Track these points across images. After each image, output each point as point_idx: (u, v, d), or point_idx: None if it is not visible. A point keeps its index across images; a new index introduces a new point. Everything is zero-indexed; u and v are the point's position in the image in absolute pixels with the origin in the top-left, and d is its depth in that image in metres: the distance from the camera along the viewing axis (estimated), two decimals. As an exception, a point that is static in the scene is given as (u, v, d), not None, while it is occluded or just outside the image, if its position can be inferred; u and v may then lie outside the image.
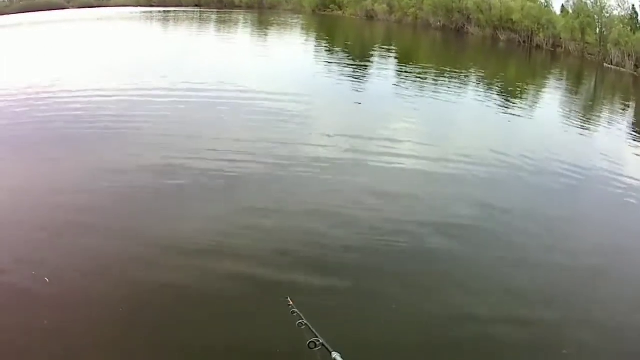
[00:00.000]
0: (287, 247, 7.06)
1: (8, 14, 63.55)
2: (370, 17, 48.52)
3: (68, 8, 73.76)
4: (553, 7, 35.36)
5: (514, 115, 15.61)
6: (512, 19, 35.76)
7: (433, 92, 18.05)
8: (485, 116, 15.45)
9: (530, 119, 15.78)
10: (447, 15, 41.35)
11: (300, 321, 3.69)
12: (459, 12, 40.53)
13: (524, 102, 17.97)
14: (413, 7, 44.50)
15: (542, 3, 36.31)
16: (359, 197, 8.67)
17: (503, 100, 17.69)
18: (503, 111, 15.98)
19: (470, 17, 39.64)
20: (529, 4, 35.72)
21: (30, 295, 5.91)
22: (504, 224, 8.17)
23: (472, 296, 6.24)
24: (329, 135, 12.27)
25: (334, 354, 3.18)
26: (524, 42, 34.70)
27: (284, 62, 24.69)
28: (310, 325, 3.58)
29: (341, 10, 53.32)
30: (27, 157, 10.78)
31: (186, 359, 5.11)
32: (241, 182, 9.26)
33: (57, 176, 9.75)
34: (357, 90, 17.83)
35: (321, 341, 3.35)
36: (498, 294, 6.29)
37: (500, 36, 36.74)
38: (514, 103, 17.62)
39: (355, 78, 20.25)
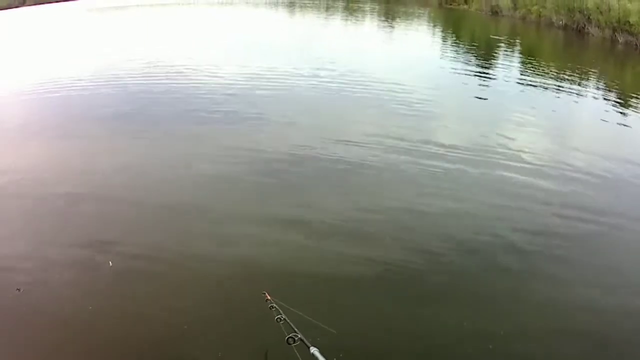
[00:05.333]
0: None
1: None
2: (495, 12, 49.16)
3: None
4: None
5: (633, 123, 15.05)
6: (629, 22, 35.45)
7: (554, 93, 18.07)
8: (606, 123, 14.89)
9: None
10: (569, 14, 41.30)
11: (278, 316, 3.82)
12: (579, 11, 40.37)
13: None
14: (536, 4, 44.64)
15: (656, 7, 34.26)
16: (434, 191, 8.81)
17: (620, 108, 17.07)
18: (621, 118, 15.46)
19: (590, 17, 39.38)
20: (645, 7, 33.66)
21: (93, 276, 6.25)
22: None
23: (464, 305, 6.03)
24: (446, 129, 12.57)
25: (312, 350, 3.23)
26: (640, 45, 32.86)
27: (409, 54, 25.89)
28: (288, 320, 3.73)
29: (467, 4, 54.26)
30: (135, 134, 11.56)
31: (161, 356, 5.07)
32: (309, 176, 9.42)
33: (160, 156, 10.30)
34: (480, 85, 18.47)
35: (299, 336, 3.46)
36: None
37: (618, 38, 36.38)
38: (631, 111, 16.74)
39: (479, 73, 20.86)
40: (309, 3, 57.85)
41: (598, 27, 39.80)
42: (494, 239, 7.21)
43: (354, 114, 13.28)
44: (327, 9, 52.07)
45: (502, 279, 6.37)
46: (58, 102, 14.51)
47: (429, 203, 8.27)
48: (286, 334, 3.54)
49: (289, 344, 3.44)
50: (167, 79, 16.84)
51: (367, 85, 16.17)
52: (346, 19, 45.34)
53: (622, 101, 18.40)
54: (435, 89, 17.52)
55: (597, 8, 39.41)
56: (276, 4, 56.13)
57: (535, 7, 44.73)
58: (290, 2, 57.82)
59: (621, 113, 16.47)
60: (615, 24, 37.98)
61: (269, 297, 4.27)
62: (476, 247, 7.02)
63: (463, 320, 5.63)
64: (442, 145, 10.89)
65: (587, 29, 40.88)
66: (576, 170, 10.14)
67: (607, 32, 38.53)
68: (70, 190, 8.61)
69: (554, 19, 43.47)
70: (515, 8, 47.39)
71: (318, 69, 18.43)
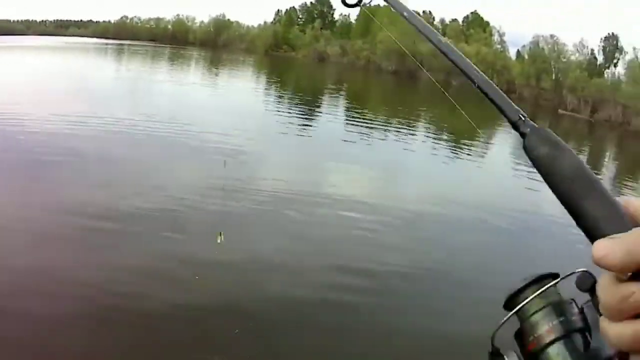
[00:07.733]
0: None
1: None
2: (322, 59, 48.67)
3: (28, 34, 77.87)
4: (509, 52, 34.75)
5: (462, 164, 15.05)
6: (464, 64, 35.22)
7: (381, 138, 17.84)
8: (432, 165, 14.97)
9: (479, 168, 15.09)
10: (400, 59, 40.46)
11: None
12: (413, 56, 40.01)
13: (473, 152, 17.04)
14: (366, 50, 44.52)
15: (497, 48, 35.87)
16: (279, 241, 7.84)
17: (451, 149, 17.27)
18: (451, 160, 15.53)
19: (423, 61, 37.61)
20: (484, 49, 35.23)
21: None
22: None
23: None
24: (267, 180, 11.36)
25: None
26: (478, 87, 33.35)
27: (231, 102, 24.96)
28: None
29: (294, 51, 53.78)
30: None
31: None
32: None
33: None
34: (303, 134, 17.67)
35: None
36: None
37: (452, 81, 34.18)
38: (462, 152, 16.77)
39: (303, 120, 20.18)
40: (140, 50, 57.25)
41: (431, 71, 35.83)
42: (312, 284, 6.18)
43: (171, 162, 12.01)
44: (155, 55, 51.48)
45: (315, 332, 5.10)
46: None
47: (239, 247, 6.91)
48: None
49: None
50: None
51: (186, 132, 14.85)
52: (173, 65, 43.45)
53: (450, 143, 19.07)
54: (257, 135, 16.28)
55: (432, 52, 35.58)
56: (106, 50, 54.79)
57: (365, 53, 44.61)
58: (119, 49, 56.74)
59: (449, 155, 16.84)
60: (451, 68, 34.75)
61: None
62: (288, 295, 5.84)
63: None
64: (265, 190, 10.12)
65: (420, 73, 40.32)
66: (401, 210, 9.37)
67: (441, 76, 35.04)
68: None
69: (384, 64, 42.62)
70: (343, 54, 46.81)
71: (139, 115, 16.77)
